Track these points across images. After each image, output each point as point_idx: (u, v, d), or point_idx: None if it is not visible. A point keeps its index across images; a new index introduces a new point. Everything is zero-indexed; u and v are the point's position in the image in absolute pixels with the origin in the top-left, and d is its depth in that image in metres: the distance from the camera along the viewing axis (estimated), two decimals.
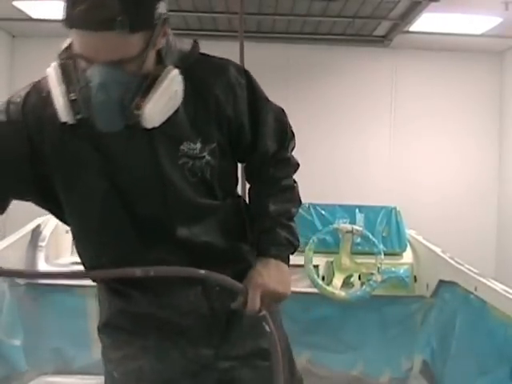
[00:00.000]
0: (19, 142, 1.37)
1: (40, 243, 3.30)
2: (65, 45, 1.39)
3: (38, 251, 3.29)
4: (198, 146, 1.42)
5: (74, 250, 3.74)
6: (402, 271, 3.49)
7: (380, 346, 3.27)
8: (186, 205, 1.46)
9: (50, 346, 3.19)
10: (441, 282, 3.07)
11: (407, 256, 3.56)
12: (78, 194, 1.42)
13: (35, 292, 3.18)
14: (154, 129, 1.34)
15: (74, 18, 1.23)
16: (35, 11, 5.47)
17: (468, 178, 6.56)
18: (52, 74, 1.34)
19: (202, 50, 1.49)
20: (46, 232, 3.36)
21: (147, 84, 1.31)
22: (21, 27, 6.13)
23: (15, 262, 3.09)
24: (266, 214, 1.53)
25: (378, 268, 3.17)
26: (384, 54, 6.50)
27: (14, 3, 5.20)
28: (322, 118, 6.41)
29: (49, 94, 1.36)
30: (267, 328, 1.45)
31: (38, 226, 3.35)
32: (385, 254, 3.26)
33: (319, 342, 3.22)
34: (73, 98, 1.29)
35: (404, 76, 6.59)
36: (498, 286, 2.43)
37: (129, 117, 1.30)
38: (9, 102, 1.42)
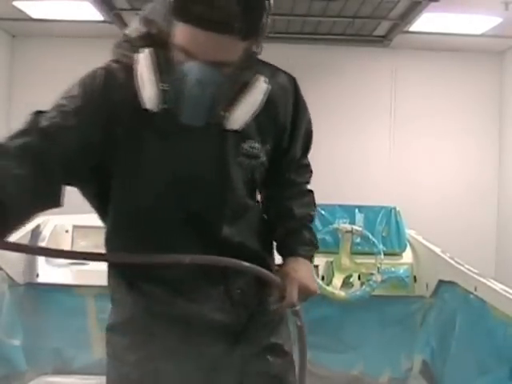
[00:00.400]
0: (96, 124, 1.36)
1: (40, 243, 3.30)
2: (134, 33, 1.43)
3: None
4: (258, 145, 1.49)
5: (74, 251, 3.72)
6: (401, 271, 3.49)
7: (380, 346, 3.27)
8: (235, 204, 1.50)
9: (49, 346, 3.19)
10: (440, 281, 3.07)
11: (407, 256, 3.55)
12: (137, 183, 1.43)
13: (35, 292, 3.19)
14: (221, 124, 1.38)
15: (191, 14, 1.24)
16: (35, 11, 5.47)
17: (468, 178, 6.56)
18: (144, 60, 1.34)
19: None
20: (46, 232, 3.36)
21: (237, 88, 1.36)
22: (21, 27, 6.13)
23: (15, 262, 3.09)
24: (292, 216, 1.62)
25: (378, 268, 3.17)
26: (384, 54, 6.50)
27: (14, 3, 5.20)
28: (321, 117, 6.39)
29: (127, 78, 1.36)
30: (298, 322, 1.54)
31: (38, 226, 3.35)
32: (384, 254, 3.26)
33: (319, 342, 3.22)
34: (165, 87, 1.31)
35: (404, 76, 6.59)
36: (498, 286, 2.43)
37: (214, 116, 1.34)
38: (84, 85, 1.41)
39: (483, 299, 2.50)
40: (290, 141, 1.58)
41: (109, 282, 1.60)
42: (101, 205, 1.50)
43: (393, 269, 3.46)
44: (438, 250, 3.30)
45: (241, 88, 1.37)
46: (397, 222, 3.56)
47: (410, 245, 3.58)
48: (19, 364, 3.06)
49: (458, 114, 6.58)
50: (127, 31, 1.47)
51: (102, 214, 1.53)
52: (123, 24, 5.82)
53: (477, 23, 5.50)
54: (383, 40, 6.23)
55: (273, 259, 1.64)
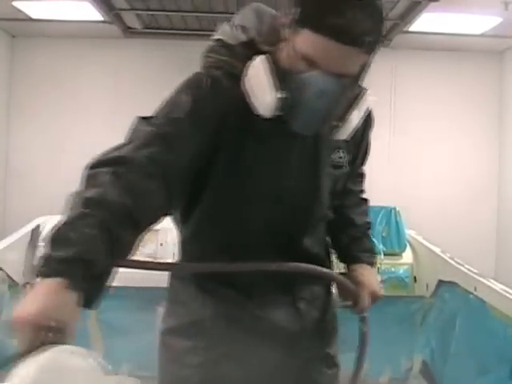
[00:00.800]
0: (206, 131, 1.35)
1: (40, 243, 3.30)
2: (232, 39, 1.43)
3: (38, 251, 3.28)
4: (344, 155, 1.52)
5: None
6: (401, 271, 3.49)
7: (380, 346, 3.26)
8: (319, 215, 1.52)
9: None
10: (440, 282, 3.08)
11: (407, 256, 3.56)
12: (232, 188, 1.42)
13: None
14: (321, 136, 1.41)
15: (326, 25, 1.25)
16: (35, 11, 5.47)
17: (468, 178, 6.56)
18: (262, 66, 1.33)
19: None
20: (46, 232, 3.37)
21: (350, 100, 1.40)
22: (21, 27, 6.12)
23: (15, 262, 3.09)
24: (353, 224, 1.67)
25: (378, 268, 3.16)
26: (384, 54, 6.46)
27: (14, 3, 5.19)
28: None
29: (232, 84, 1.36)
30: (364, 328, 1.68)
31: (38, 226, 3.35)
32: (384, 254, 3.26)
33: None
34: (283, 95, 1.31)
35: (404, 76, 6.59)
36: (498, 286, 2.43)
37: (326, 126, 1.37)
38: (191, 92, 1.36)
39: (483, 299, 2.50)
40: (357, 151, 1.62)
41: (171, 283, 1.57)
42: (186, 210, 1.48)
43: (393, 269, 3.46)
44: (437, 250, 3.30)
45: (352, 100, 1.40)
46: (397, 222, 3.56)
47: (410, 245, 3.58)
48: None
49: (457, 114, 6.58)
50: (221, 37, 1.46)
51: (182, 219, 1.51)
52: (123, 24, 5.83)
53: (477, 23, 5.50)
54: (383, 40, 6.21)
55: (332, 266, 1.67)
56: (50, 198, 6.44)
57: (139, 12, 5.53)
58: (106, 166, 1.21)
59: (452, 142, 6.59)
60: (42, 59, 6.39)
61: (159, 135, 1.29)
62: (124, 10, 5.40)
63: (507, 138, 6.43)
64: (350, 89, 1.37)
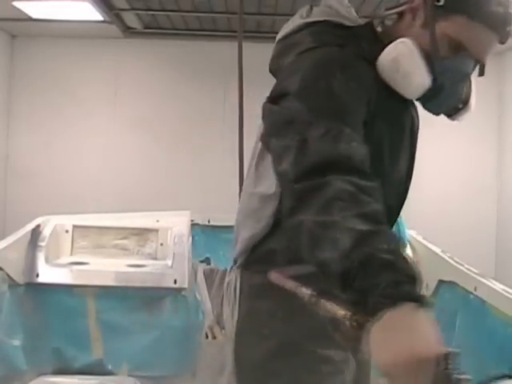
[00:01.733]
0: (363, 113, 1.31)
1: (40, 243, 3.30)
2: (347, 21, 1.43)
3: (38, 251, 3.28)
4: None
5: (74, 250, 3.74)
6: None
7: None
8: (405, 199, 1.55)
9: (49, 346, 3.19)
10: (440, 281, 3.08)
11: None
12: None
13: (35, 292, 3.19)
14: (416, 120, 1.47)
15: (487, 14, 1.30)
16: (35, 11, 5.47)
17: (467, 178, 6.56)
18: (413, 49, 1.34)
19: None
20: (46, 232, 3.36)
21: (470, 85, 1.45)
22: (21, 27, 6.12)
23: (15, 262, 3.09)
24: None
25: None
26: None
27: (14, 3, 5.19)
28: None
29: (368, 66, 1.35)
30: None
31: (38, 226, 3.35)
32: None
33: None
34: (432, 77, 1.34)
35: None
36: (498, 286, 2.44)
37: (451, 107, 1.42)
38: (344, 72, 1.29)
39: (483, 299, 2.50)
40: None
41: (264, 303, 1.40)
42: None
43: None
44: (438, 250, 3.30)
45: (471, 85, 1.45)
46: (397, 222, 3.55)
47: (410, 245, 3.58)
48: (19, 364, 3.06)
49: None
50: (327, 18, 1.43)
51: None
52: (123, 24, 5.83)
53: None
54: None
55: None
56: (50, 198, 6.45)
57: (139, 12, 5.54)
58: (321, 173, 1.12)
59: (451, 142, 6.59)
60: (42, 59, 6.39)
61: (344, 127, 1.21)
62: (124, 10, 5.40)
63: (507, 138, 6.43)
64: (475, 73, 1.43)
